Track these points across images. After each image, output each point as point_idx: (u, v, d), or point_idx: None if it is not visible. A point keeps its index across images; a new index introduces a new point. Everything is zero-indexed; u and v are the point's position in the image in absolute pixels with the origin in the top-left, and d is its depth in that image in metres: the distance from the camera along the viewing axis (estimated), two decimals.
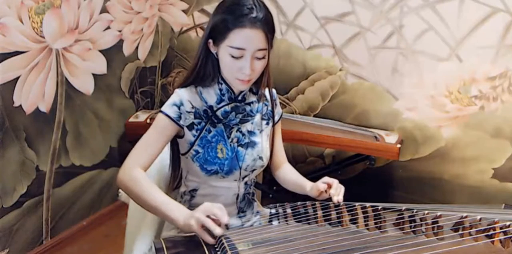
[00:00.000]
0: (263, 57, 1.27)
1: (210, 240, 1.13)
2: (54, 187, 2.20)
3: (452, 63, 2.12)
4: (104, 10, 2.26)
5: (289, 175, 1.53)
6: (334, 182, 1.36)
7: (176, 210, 1.19)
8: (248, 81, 1.30)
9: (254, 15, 1.22)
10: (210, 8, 2.54)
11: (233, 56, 1.25)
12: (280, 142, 1.55)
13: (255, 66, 1.27)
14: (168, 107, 1.33)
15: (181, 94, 1.33)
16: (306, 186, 1.42)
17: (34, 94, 2.00)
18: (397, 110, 2.29)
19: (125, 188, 1.28)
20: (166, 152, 1.46)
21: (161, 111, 1.33)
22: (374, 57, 2.26)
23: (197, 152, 1.35)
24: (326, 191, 1.35)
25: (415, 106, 2.25)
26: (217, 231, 1.11)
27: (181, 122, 1.33)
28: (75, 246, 2.30)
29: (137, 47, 2.54)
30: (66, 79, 2.14)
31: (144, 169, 1.29)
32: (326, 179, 1.38)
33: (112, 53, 2.37)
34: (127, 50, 2.46)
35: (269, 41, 1.26)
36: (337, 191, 1.33)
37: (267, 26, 1.25)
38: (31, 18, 1.92)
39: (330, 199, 1.33)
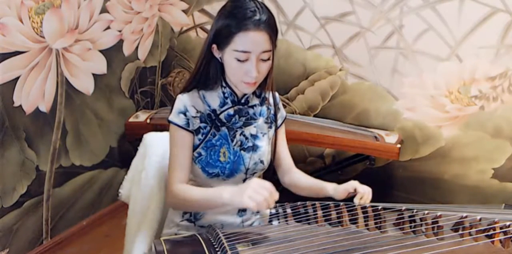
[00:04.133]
0: (268, 59, 1.28)
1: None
2: (54, 187, 2.20)
3: (452, 63, 2.12)
4: (104, 10, 2.25)
5: (303, 180, 1.49)
6: (359, 190, 1.33)
7: (219, 192, 1.21)
8: (254, 83, 1.30)
9: (257, 17, 1.22)
10: (210, 8, 2.53)
11: (239, 60, 1.25)
12: (285, 146, 1.53)
13: (261, 68, 1.27)
14: (175, 116, 1.33)
15: (184, 100, 1.34)
16: (327, 188, 1.39)
17: (34, 94, 2.00)
18: (397, 110, 2.28)
19: (177, 207, 1.37)
20: (167, 151, 1.45)
21: (170, 122, 1.34)
22: (374, 57, 2.26)
23: (200, 154, 1.36)
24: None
25: (415, 106, 2.25)
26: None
27: (190, 128, 1.33)
28: (75, 246, 2.30)
29: (137, 47, 2.53)
30: (66, 79, 2.14)
31: (184, 183, 1.34)
32: (355, 185, 1.35)
33: (112, 53, 2.37)
34: (127, 50, 2.46)
35: (273, 42, 1.27)
36: (363, 200, 1.31)
37: (271, 27, 1.25)
38: (31, 18, 1.91)
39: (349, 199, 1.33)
